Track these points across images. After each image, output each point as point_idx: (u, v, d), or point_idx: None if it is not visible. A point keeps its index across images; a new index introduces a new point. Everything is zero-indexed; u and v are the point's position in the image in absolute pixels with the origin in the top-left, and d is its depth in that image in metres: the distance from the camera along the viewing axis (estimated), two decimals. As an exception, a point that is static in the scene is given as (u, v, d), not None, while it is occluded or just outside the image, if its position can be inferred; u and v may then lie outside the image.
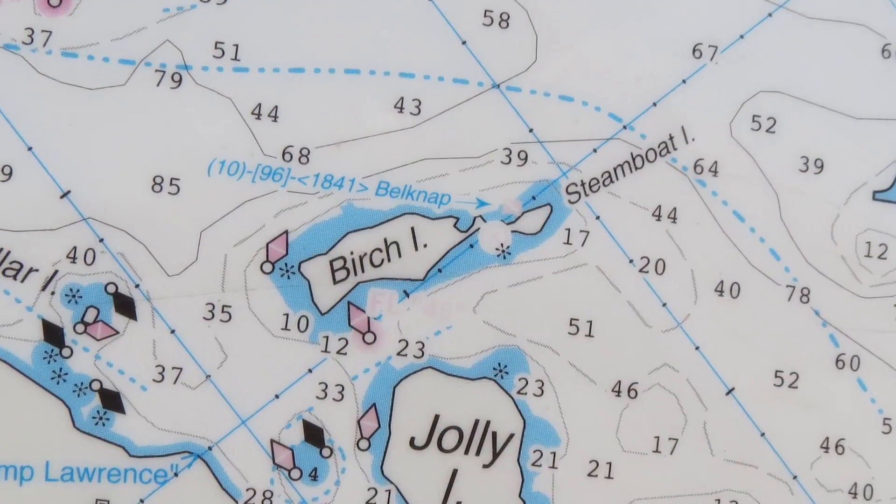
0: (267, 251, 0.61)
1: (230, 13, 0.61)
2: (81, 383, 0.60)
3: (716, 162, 0.63)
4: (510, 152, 0.62)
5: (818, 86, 0.64)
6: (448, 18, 0.62)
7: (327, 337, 0.61)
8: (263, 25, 0.61)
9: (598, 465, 0.62)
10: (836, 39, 0.64)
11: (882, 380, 0.63)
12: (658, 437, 0.62)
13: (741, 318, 0.63)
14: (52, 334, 0.60)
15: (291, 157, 0.61)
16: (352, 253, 0.61)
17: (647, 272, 0.63)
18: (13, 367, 0.59)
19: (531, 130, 0.63)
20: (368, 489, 0.61)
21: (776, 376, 0.63)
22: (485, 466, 0.62)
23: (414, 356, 0.61)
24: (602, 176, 0.63)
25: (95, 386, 0.60)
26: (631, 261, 0.63)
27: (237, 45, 0.61)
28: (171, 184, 0.60)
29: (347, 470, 0.61)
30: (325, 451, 0.61)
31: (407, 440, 0.61)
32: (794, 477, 0.63)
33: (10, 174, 0.59)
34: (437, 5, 0.61)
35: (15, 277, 0.59)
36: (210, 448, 0.60)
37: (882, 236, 0.63)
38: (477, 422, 0.61)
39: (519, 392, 0.62)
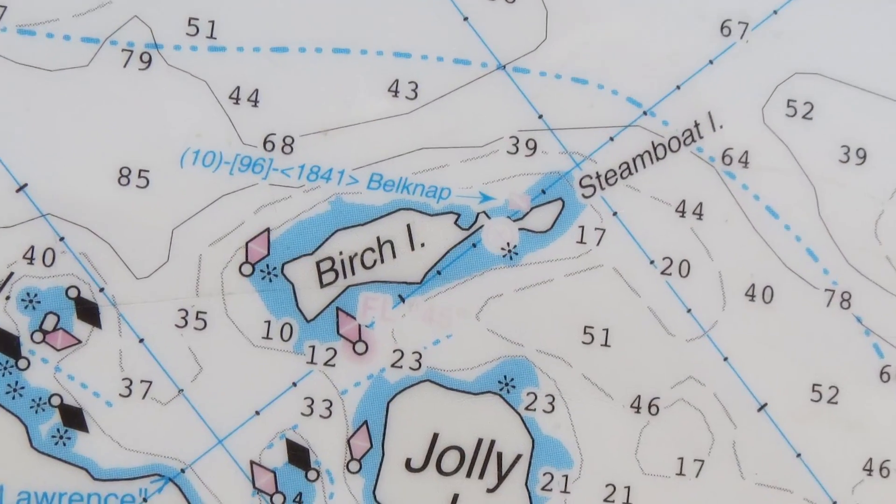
0: (246, 251, 0.60)
1: (206, -14, 0.60)
2: (40, 398, 0.58)
3: (746, 152, 0.62)
4: (517, 141, 0.61)
5: (860, 67, 0.63)
6: (448, -8, 0.61)
7: (313, 347, 0.60)
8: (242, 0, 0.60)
9: (615, 489, 0.61)
10: (880, 15, 0.63)
11: (931, 395, 0.62)
12: (682, 459, 0.61)
13: (774, 326, 0.62)
14: (7, 344, 0.58)
15: (274, 146, 0.60)
16: (341, 253, 0.60)
17: (670, 274, 0.61)
18: (-37, 381, 0.58)
19: (541, 117, 0.61)
20: (359, 516, 0.60)
21: (814, 390, 0.62)
22: (489, 491, 0.60)
23: (410, 368, 0.60)
24: (620, 167, 0.61)
25: (55, 401, 0.58)
26: (652, 262, 0.61)
27: (213, 22, 0.60)
28: (139, 176, 0.59)
29: (336, 495, 0.60)
30: (312, 474, 0.60)
31: (402, 462, 0.60)
32: (834, 503, 0.62)
33: (-40, 166, 0.58)
34: (437, -23, 0.61)
35: (-35, 281, 0.58)
36: (183, 470, 0.59)
37: (931, 234, 0.62)
38: (480, 441, 0.60)
39: (527, 408, 0.60)
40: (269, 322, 0.59)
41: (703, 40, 0.62)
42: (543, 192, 0.61)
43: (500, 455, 0.60)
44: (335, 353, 0.60)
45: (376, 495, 0.60)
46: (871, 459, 0.62)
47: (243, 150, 0.60)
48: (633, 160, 0.61)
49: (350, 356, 0.60)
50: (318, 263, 0.60)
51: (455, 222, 0.60)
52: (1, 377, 0.58)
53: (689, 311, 0.61)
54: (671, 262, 0.61)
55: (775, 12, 0.62)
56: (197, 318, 0.59)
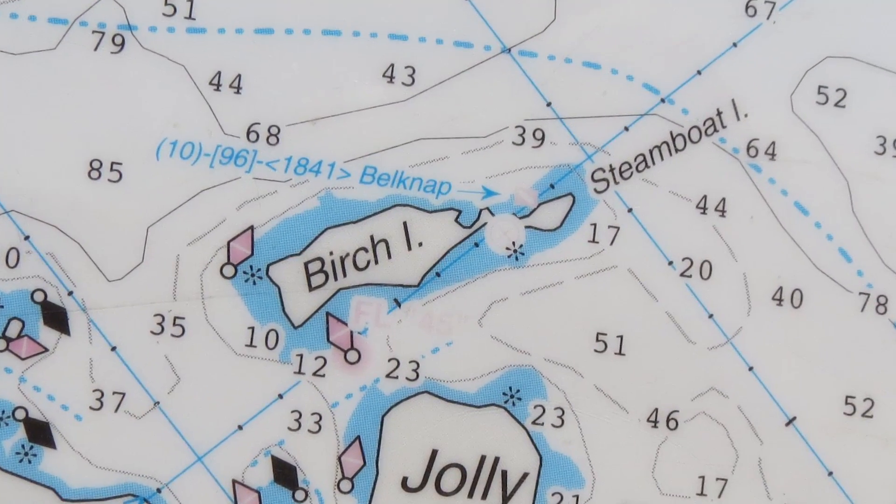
0: (228, 251, 0.59)
1: (184, -38, 0.61)
2: (3, 412, 0.58)
3: (773, 143, 0.62)
4: (524, 131, 0.61)
5: (897, 50, 0.64)
6: (448, -31, 0.62)
7: (301, 355, 0.60)
8: (224, -23, 0.62)
9: (630, 510, 0.62)
10: (919, -6, 0.64)
11: (975, 407, 0.63)
12: (703, 478, 0.61)
13: (804, 333, 0.61)
14: (-33, 352, 0.60)
15: (258, 136, 0.60)
16: (331, 253, 0.60)
17: (690, 276, 0.61)
18: (-82, 393, 0.60)
19: (549, 104, 0.61)
20: (351, 540, 0.61)
21: (847, 403, 0.61)
22: (493, 512, 0.61)
23: (407, 379, 0.60)
24: (635, 160, 0.61)
25: (20, 415, 0.58)
26: (670, 263, 0.61)
27: (192, 1, 0.60)
28: (111, 169, 0.59)
29: (326, 517, 0.61)
30: (299, 494, 0.59)
31: (398, 481, 0.60)
32: (869, 524, 0.63)
33: (-84, 158, 0.60)
34: (436, -47, 0.62)
35: (-79, 283, 0.60)
36: (159, 490, 0.59)
37: (975, 233, 0.63)
38: (483, 458, 0.60)
39: (534, 422, 0.60)
40: (252, 328, 0.59)
41: (727, 21, 0.62)
42: (552, 186, 0.61)
43: (504, 473, 0.60)
44: (325, 362, 0.59)
45: (370, 517, 0.61)
46: (909, 478, 0.63)
47: (225, 141, 0.60)
48: (650, 152, 0.61)
49: (341, 366, 0.60)
50: (306, 265, 0.59)
51: (456, 220, 0.60)
52: (-40, 389, 0.59)
53: (710, 316, 0.61)
54: (691, 262, 0.61)
55: (805, -10, 0.63)
56: (174, 324, 0.59)
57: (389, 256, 0.60)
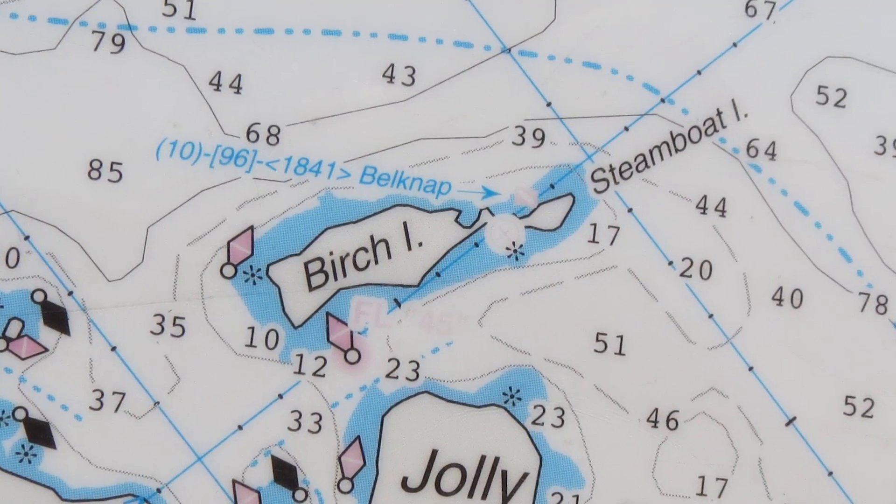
0: (228, 251, 0.59)
1: (184, -38, 0.61)
2: (3, 412, 0.58)
3: (773, 143, 0.61)
4: (524, 131, 0.60)
5: (897, 50, 0.63)
6: (448, -31, 0.62)
7: (301, 355, 0.59)
8: (224, -23, 0.61)
9: (630, 510, 0.61)
10: (919, -6, 0.64)
11: (974, 407, 0.63)
12: (703, 478, 0.60)
13: (804, 333, 0.61)
14: (-33, 352, 0.59)
15: (258, 136, 0.60)
16: (331, 253, 0.60)
17: (690, 276, 0.61)
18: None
19: (549, 104, 0.61)
20: (351, 540, 0.61)
21: (847, 403, 0.61)
22: (493, 512, 0.61)
23: (407, 379, 0.60)
24: (635, 160, 0.61)
25: (20, 415, 0.58)
26: (670, 263, 0.61)
27: (192, 1, 0.60)
28: (111, 169, 0.59)
29: (326, 517, 0.60)
30: (299, 494, 0.59)
31: (398, 481, 0.60)
32: (869, 525, 0.62)
33: (-84, 158, 0.59)
34: (436, -47, 0.62)
35: (-79, 283, 0.59)
36: (159, 490, 0.59)
37: (975, 233, 0.63)
38: (483, 458, 0.60)
39: (534, 422, 0.60)
40: (252, 328, 0.59)
41: (727, 21, 0.62)
42: (552, 186, 0.60)
43: (504, 474, 0.60)
44: (325, 362, 0.59)
45: (370, 517, 0.60)
46: (909, 478, 0.62)
47: (225, 141, 0.59)
48: (650, 152, 0.61)
49: (341, 366, 0.59)
50: (306, 265, 0.59)
51: (456, 220, 0.60)
52: (-40, 389, 0.59)
53: (710, 316, 0.61)
54: (691, 263, 0.61)
55: (805, -10, 0.63)
56: (174, 324, 0.59)
57: (389, 256, 0.59)
